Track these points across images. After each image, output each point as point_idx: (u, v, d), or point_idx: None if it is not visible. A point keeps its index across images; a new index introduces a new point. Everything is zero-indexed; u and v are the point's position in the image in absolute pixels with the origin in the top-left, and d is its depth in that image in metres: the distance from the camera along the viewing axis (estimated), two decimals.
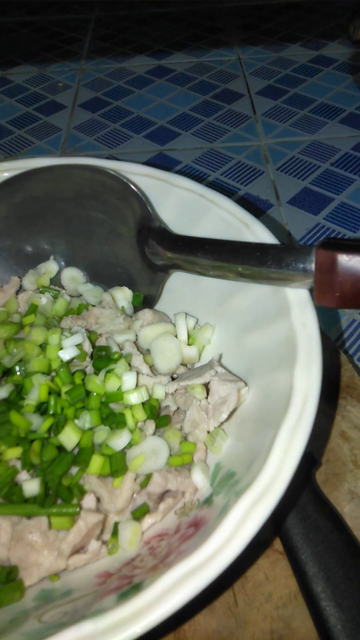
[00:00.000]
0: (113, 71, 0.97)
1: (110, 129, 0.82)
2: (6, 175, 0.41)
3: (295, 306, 0.32)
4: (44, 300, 0.40)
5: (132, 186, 0.38)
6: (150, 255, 0.40)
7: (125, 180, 0.38)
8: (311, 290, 0.32)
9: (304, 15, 1.08)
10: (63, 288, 0.43)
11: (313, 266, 0.30)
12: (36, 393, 0.31)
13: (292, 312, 0.31)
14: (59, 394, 0.32)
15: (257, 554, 0.32)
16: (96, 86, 0.93)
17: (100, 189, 0.40)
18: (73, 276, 0.43)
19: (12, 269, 0.43)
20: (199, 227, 0.39)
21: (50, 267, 0.43)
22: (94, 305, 0.42)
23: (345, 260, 0.29)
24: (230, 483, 0.27)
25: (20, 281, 0.43)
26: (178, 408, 0.35)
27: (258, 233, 0.36)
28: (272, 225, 0.63)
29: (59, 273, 0.44)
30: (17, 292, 0.42)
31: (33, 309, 0.39)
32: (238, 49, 0.99)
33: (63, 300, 0.40)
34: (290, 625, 0.30)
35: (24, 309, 0.41)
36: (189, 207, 0.40)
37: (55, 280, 0.44)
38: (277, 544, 0.33)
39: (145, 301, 0.42)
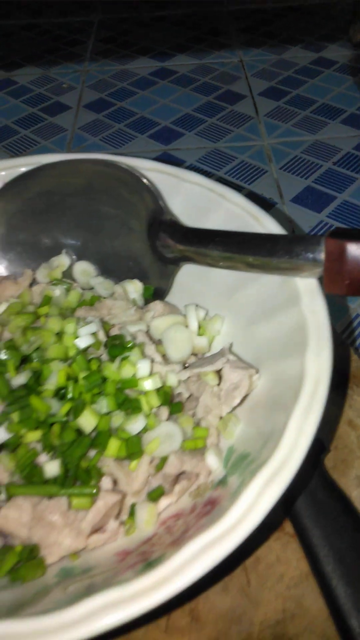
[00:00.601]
0: (116, 73, 0.98)
1: (115, 129, 0.84)
2: (23, 170, 0.42)
3: (305, 295, 0.33)
4: (57, 292, 0.41)
5: (144, 180, 0.39)
6: (161, 248, 0.40)
7: (137, 174, 0.39)
8: (320, 280, 0.33)
9: (304, 18, 1.09)
10: (75, 281, 0.44)
11: (323, 255, 0.31)
12: (55, 378, 0.32)
13: (301, 300, 0.32)
14: (76, 380, 0.33)
15: (268, 536, 0.33)
16: (100, 87, 0.95)
17: (112, 183, 0.41)
18: (85, 269, 0.44)
19: (25, 262, 0.44)
20: (209, 221, 0.40)
21: (63, 260, 0.44)
22: (105, 298, 0.43)
23: (355, 249, 0.30)
24: (244, 464, 0.28)
25: (34, 274, 0.44)
26: (190, 395, 0.36)
27: (268, 226, 0.37)
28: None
29: (70, 267, 0.45)
30: (31, 285, 0.43)
31: (47, 300, 0.40)
32: (239, 51, 1.01)
33: (76, 292, 0.41)
34: (302, 604, 0.31)
35: (37, 301, 0.41)
36: (198, 201, 0.41)
37: (67, 274, 0.45)
38: (288, 527, 0.34)
39: (156, 294, 0.43)
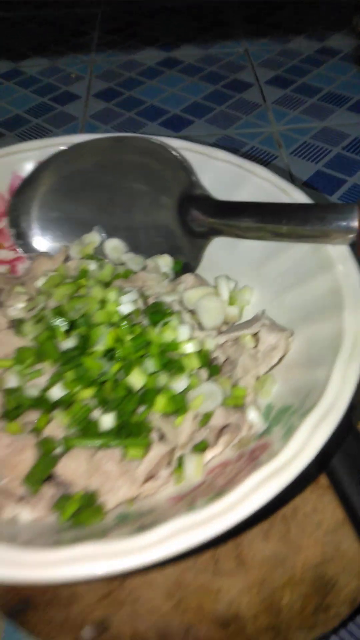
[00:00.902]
0: (123, 63, 1.00)
1: (125, 118, 0.85)
2: (57, 149, 0.43)
3: (338, 260, 0.35)
4: (92, 266, 0.42)
5: (176, 154, 0.41)
6: (191, 223, 0.42)
7: (170, 148, 0.41)
8: (351, 246, 0.35)
9: (307, 9, 1.11)
10: (106, 258, 0.46)
11: (356, 222, 0.33)
12: (104, 340, 0.34)
13: (335, 266, 0.34)
14: (122, 343, 0.34)
15: (304, 487, 0.35)
16: (108, 77, 0.96)
17: (144, 159, 0.42)
18: (115, 246, 0.46)
19: (59, 239, 0.46)
20: (238, 197, 0.42)
21: (94, 237, 0.46)
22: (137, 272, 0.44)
23: None
24: (287, 414, 0.30)
25: (67, 251, 0.45)
26: (227, 359, 0.38)
27: (297, 198, 0.39)
28: None
29: (101, 244, 0.46)
30: (65, 261, 0.45)
31: (84, 273, 0.41)
32: (245, 41, 1.02)
33: (110, 266, 0.43)
34: (340, 548, 0.33)
35: (73, 276, 0.43)
36: (227, 178, 0.43)
37: (98, 251, 0.46)
38: (322, 480, 0.36)
39: (185, 268, 0.45)
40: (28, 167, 0.45)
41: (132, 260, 0.45)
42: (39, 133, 0.83)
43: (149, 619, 0.30)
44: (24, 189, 0.45)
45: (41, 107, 0.89)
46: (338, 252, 0.35)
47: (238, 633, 0.30)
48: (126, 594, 0.31)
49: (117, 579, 0.32)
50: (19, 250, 0.46)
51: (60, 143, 0.45)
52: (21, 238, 0.46)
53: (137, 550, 0.22)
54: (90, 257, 0.45)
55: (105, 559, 0.22)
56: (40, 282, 0.41)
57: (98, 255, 0.46)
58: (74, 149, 0.43)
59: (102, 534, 0.27)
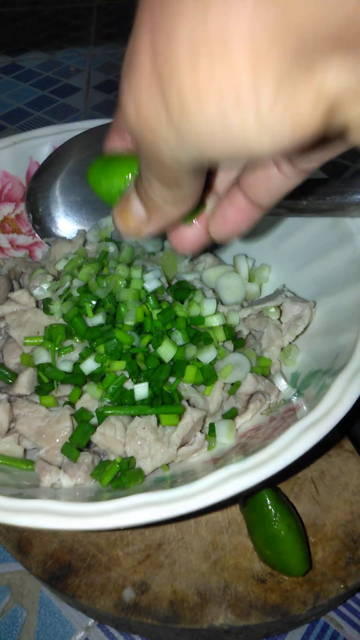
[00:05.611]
0: (122, 55, 0.99)
1: None
2: (72, 134, 0.44)
3: (358, 232, 0.36)
4: (111, 248, 0.43)
5: None
6: None
7: None
8: None
9: None
10: (123, 241, 0.47)
11: None
12: (133, 315, 0.34)
13: (355, 237, 0.36)
14: (151, 318, 0.35)
15: (328, 451, 0.36)
16: (107, 69, 0.97)
17: None
18: None
19: (76, 223, 0.46)
20: None
21: (110, 221, 0.47)
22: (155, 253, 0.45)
23: None
24: (317, 377, 0.31)
25: (85, 234, 0.46)
26: (249, 332, 0.39)
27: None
28: None
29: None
30: (84, 244, 0.46)
31: (104, 255, 0.42)
32: None
33: (129, 248, 0.44)
34: None
35: (94, 258, 0.44)
36: None
37: (114, 235, 0.47)
38: (347, 445, 0.37)
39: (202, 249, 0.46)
40: (45, 153, 0.45)
41: (150, 242, 0.46)
42: (41, 125, 0.83)
43: (188, 578, 0.31)
44: (41, 174, 0.45)
45: (42, 100, 0.90)
46: (357, 224, 0.36)
47: (275, 587, 0.31)
48: (164, 557, 0.32)
49: (153, 544, 0.33)
50: (36, 234, 0.47)
51: (76, 128, 0.46)
52: (38, 223, 0.46)
53: (192, 495, 0.23)
54: (108, 240, 0.46)
55: (159, 506, 0.23)
56: (61, 265, 0.42)
57: (115, 238, 0.47)
58: (90, 133, 0.44)
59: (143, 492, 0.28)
